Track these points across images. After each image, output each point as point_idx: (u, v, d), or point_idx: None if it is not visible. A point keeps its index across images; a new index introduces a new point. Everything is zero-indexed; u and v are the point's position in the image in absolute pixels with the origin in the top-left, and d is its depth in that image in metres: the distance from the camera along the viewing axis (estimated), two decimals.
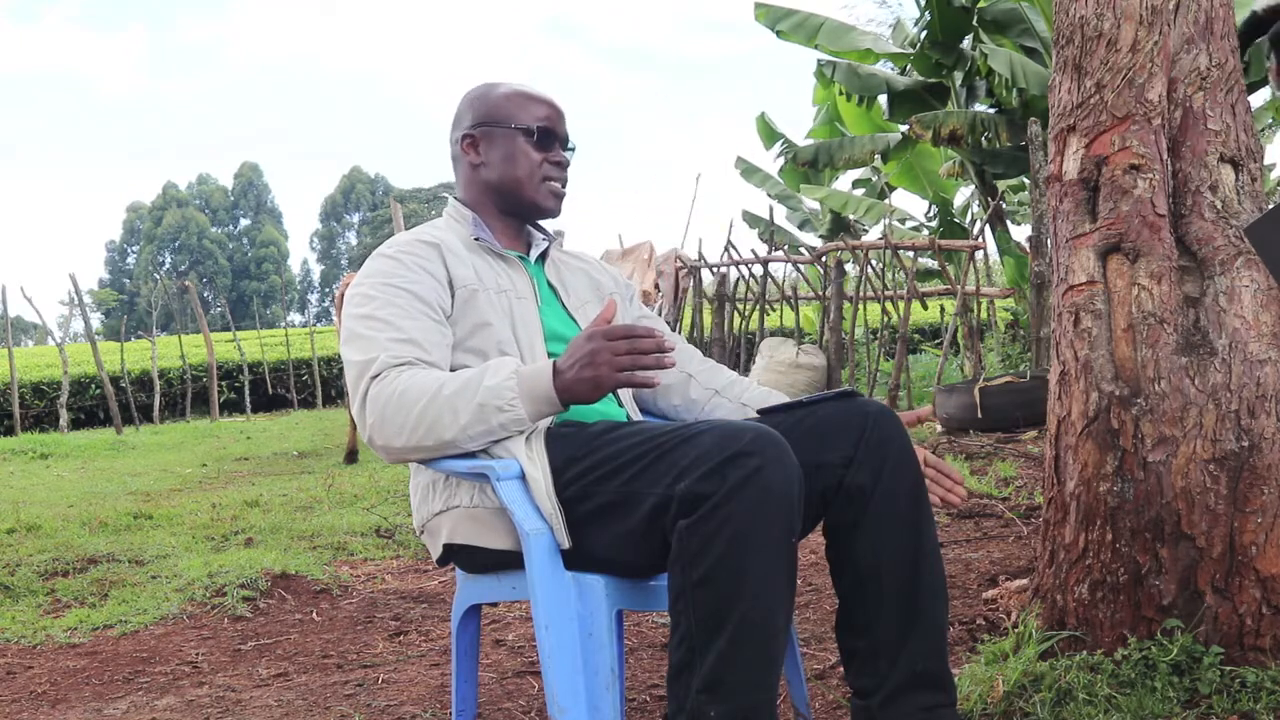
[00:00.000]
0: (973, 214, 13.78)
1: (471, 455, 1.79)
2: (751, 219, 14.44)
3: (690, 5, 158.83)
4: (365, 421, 1.75)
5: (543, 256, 2.06)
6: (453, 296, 1.89)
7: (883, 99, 10.42)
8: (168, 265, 71.36)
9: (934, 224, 12.41)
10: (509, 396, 1.70)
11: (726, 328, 11.51)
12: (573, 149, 2.03)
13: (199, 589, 3.44)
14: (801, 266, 11.19)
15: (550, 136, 1.98)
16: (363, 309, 1.83)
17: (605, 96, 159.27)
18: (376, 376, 1.75)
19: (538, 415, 1.72)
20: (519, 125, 1.96)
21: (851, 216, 12.95)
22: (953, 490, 1.88)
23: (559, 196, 2.01)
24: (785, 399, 1.98)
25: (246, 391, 16.67)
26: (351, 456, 7.53)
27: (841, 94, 10.59)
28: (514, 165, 1.97)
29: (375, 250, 1.95)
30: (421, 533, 1.93)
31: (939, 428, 6.17)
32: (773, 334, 10.97)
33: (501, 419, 1.70)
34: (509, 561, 1.78)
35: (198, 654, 2.88)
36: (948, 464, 1.90)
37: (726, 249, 11.56)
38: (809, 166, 10.67)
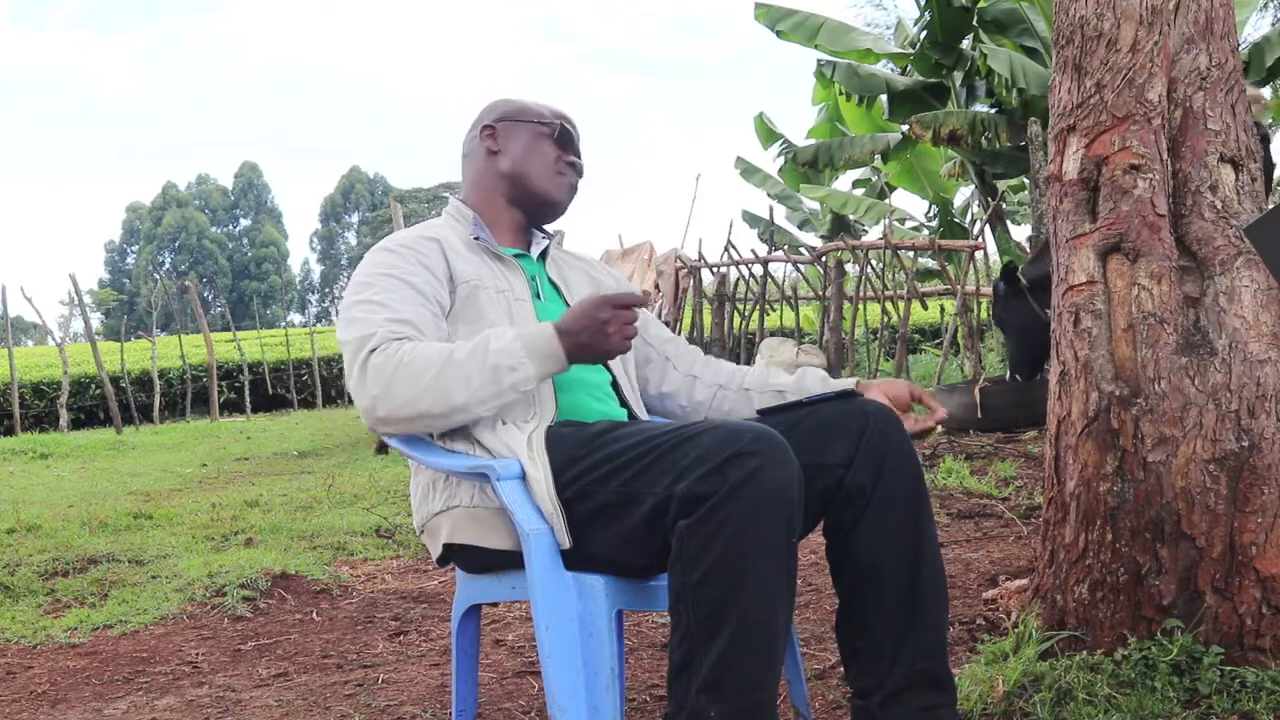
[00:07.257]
0: (973, 214, 13.79)
1: (471, 455, 1.79)
2: (751, 219, 14.45)
3: (684, 8, 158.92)
4: (366, 393, 1.74)
5: (543, 254, 2.07)
6: (454, 292, 1.90)
7: (883, 99, 10.42)
8: (168, 265, 71.30)
9: (934, 224, 12.41)
10: (519, 356, 1.73)
11: (726, 328, 11.51)
12: (581, 170, 2.09)
13: (199, 589, 3.43)
14: (801, 266, 11.18)
15: (568, 139, 2.06)
16: (359, 295, 1.85)
17: (603, 97, 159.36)
18: (375, 349, 1.75)
19: (544, 374, 1.75)
20: (541, 121, 2.04)
21: (851, 216, 12.96)
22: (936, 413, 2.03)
23: (571, 190, 2.06)
24: (784, 376, 2.04)
25: (246, 391, 16.66)
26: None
27: (842, 94, 10.59)
28: (531, 156, 2.03)
29: (376, 244, 1.96)
30: (421, 533, 1.93)
31: (939, 428, 6.16)
32: (773, 334, 10.96)
33: (512, 379, 1.73)
34: (509, 561, 1.78)
35: (198, 654, 2.88)
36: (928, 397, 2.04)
37: (726, 249, 11.55)
38: (809, 166, 10.68)
